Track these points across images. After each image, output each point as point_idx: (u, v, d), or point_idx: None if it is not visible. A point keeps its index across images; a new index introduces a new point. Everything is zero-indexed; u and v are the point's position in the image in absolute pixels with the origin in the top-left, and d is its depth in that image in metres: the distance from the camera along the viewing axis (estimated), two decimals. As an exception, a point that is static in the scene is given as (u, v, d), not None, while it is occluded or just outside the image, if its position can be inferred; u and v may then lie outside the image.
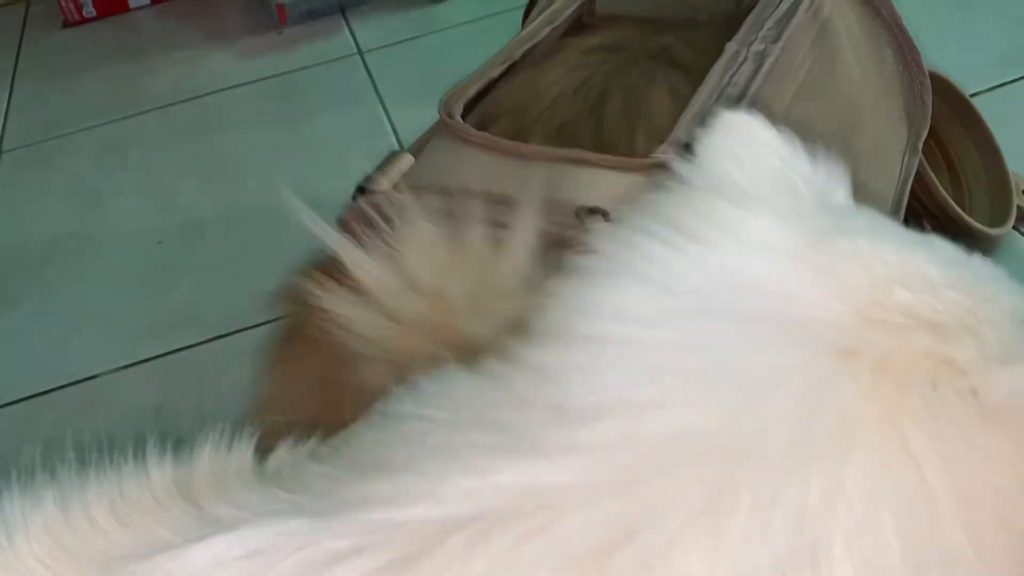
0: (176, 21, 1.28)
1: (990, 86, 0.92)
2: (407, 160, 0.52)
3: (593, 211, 0.43)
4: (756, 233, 0.31)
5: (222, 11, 1.29)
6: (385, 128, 1.01)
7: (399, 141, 0.99)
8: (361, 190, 0.52)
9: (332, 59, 1.15)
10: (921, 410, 0.26)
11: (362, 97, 1.07)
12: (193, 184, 0.98)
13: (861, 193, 0.57)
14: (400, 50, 1.15)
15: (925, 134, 0.63)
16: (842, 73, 0.58)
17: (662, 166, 0.48)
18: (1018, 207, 0.74)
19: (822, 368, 0.26)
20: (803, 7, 0.55)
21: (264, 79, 1.13)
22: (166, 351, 0.79)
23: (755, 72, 0.52)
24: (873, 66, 0.61)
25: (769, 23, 0.55)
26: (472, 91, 0.54)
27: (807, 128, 0.54)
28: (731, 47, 0.54)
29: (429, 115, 1.01)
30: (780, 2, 0.57)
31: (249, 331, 0.79)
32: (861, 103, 0.59)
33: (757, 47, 0.54)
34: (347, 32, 1.20)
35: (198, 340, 0.79)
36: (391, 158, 0.52)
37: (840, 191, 0.36)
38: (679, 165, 0.35)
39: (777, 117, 0.51)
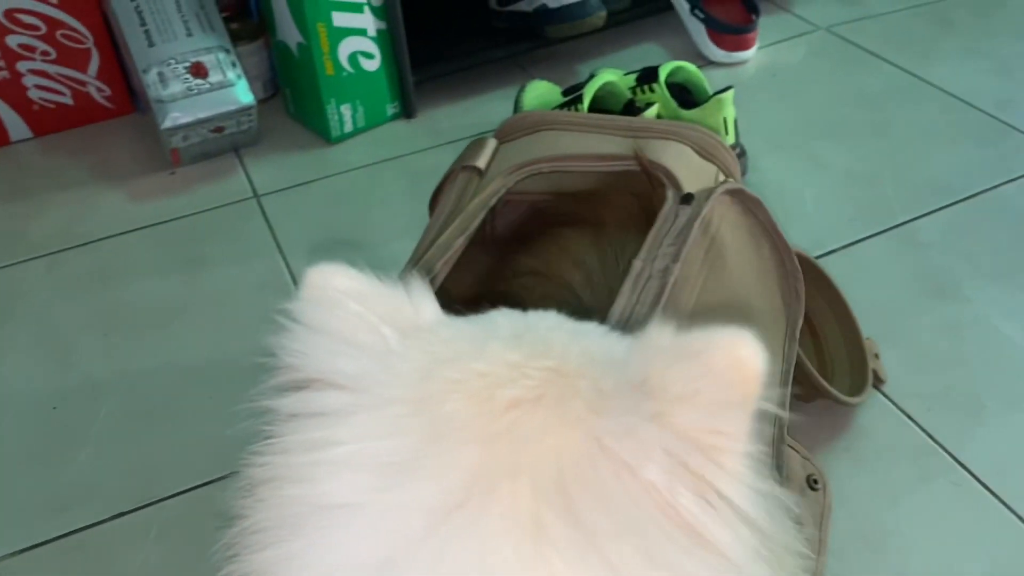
0: (63, 157, 1.26)
1: (843, 244, 1.02)
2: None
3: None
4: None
5: (111, 147, 1.28)
6: (284, 279, 1.03)
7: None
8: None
9: (228, 202, 1.16)
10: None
11: (260, 244, 1.09)
12: (89, 340, 0.96)
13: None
14: (296, 194, 1.17)
15: (801, 323, 0.71)
16: (730, 278, 0.64)
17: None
18: (873, 371, 0.83)
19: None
20: (696, 223, 0.62)
21: (159, 223, 1.13)
22: (67, 531, 0.77)
23: (660, 290, 0.58)
24: (755, 265, 0.68)
25: (668, 240, 0.61)
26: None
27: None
28: (637, 265, 0.60)
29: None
30: (676, 217, 0.64)
31: (154, 506, 0.79)
32: (749, 302, 0.66)
33: (660, 264, 0.60)
34: (242, 174, 1.21)
35: (101, 518, 0.78)
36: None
37: (428, 308, 0.44)
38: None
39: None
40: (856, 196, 1.09)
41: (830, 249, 1.01)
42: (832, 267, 0.98)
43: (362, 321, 0.41)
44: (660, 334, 0.37)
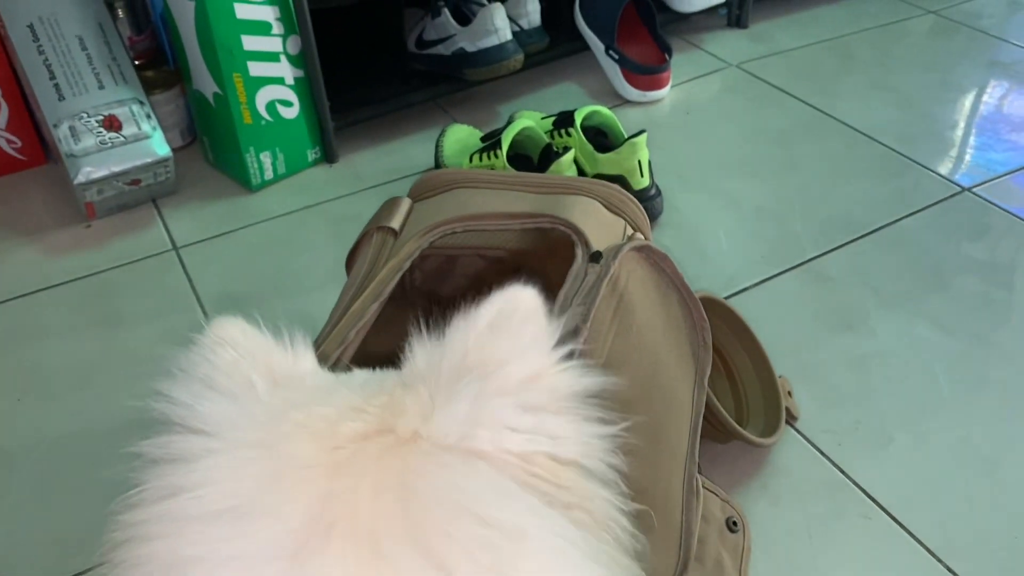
0: (-29, 212, 1.23)
1: (755, 281, 1.05)
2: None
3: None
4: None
5: (23, 200, 1.25)
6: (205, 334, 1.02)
7: (222, 347, 0.99)
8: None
9: (146, 255, 1.14)
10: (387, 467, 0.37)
11: (179, 298, 1.07)
12: (2, 406, 0.94)
13: (663, 432, 0.65)
14: (217, 244, 1.16)
15: (709, 370, 0.73)
16: (638, 334, 0.66)
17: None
18: (787, 408, 0.85)
19: None
20: (605, 282, 0.64)
21: (74, 280, 1.11)
22: (-20, 612, 0.75)
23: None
24: (663, 319, 0.70)
25: (577, 300, 0.63)
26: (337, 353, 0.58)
27: (616, 395, 0.62)
28: (546, 326, 0.61)
29: (248, 317, 1.03)
30: (585, 275, 0.65)
31: (71, 580, 0.77)
32: (657, 354, 0.68)
33: (569, 324, 0.61)
34: (161, 225, 1.20)
35: (15, 597, 0.76)
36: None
37: (305, 361, 0.46)
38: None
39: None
40: (767, 233, 1.13)
41: (743, 287, 1.04)
42: (745, 304, 1.01)
43: (234, 369, 0.43)
44: (465, 314, 0.41)
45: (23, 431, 0.91)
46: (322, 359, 0.60)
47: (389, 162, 1.30)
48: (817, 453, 0.84)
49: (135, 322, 1.04)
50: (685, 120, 1.38)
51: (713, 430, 0.79)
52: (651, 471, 0.62)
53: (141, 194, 1.20)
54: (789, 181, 1.23)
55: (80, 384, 0.96)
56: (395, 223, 0.74)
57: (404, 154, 1.32)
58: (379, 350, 0.79)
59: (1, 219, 1.22)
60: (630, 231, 0.74)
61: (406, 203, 0.76)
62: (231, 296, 1.07)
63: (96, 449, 0.89)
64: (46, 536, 0.80)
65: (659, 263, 0.70)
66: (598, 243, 0.69)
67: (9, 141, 1.28)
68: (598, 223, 0.71)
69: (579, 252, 0.67)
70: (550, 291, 0.74)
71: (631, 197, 0.75)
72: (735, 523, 0.74)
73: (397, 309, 0.83)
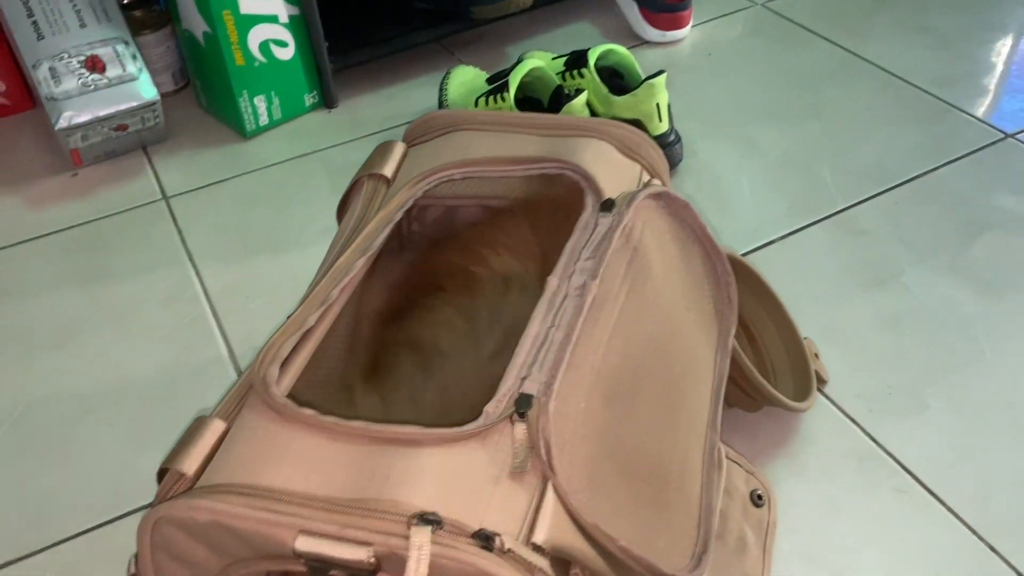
0: (-48, 161, 1.17)
1: (780, 234, 0.98)
2: (215, 428, 0.49)
3: (426, 518, 0.42)
4: None
5: (6, 147, 1.19)
6: (194, 288, 0.96)
7: (210, 303, 0.94)
8: (163, 471, 0.49)
9: (134, 205, 1.09)
10: None
11: (168, 251, 1.01)
12: (-24, 365, 0.89)
13: (681, 401, 0.59)
14: (209, 194, 1.10)
15: (734, 331, 0.66)
16: (655, 292, 0.60)
17: (493, 429, 0.48)
18: (816, 372, 0.79)
19: None
20: (617, 233, 0.57)
21: (58, 231, 1.05)
22: (-52, 584, 0.70)
23: (578, 310, 0.53)
24: (683, 275, 0.64)
25: (586, 253, 0.56)
26: (288, 348, 0.52)
27: (624, 363, 0.56)
28: (552, 282, 0.55)
29: (242, 272, 0.98)
30: (595, 226, 0.59)
31: (48, 551, 0.72)
32: (675, 315, 0.62)
33: (577, 280, 0.55)
34: (150, 173, 1.14)
35: (-13, 567, 0.71)
36: (195, 428, 0.49)
37: None
38: None
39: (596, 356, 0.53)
40: (793, 182, 1.06)
41: (767, 240, 0.97)
42: (770, 259, 0.95)
43: None
44: None
45: (1, 390, 0.86)
46: (298, 324, 0.54)
47: (391, 107, 1.23)
48: (847, 420, 0.78)
49: (121, 277, 0.99)
50: (706, 62, 1.29)
51: (742, 396, 0.72)
52: (667, 443, 0.56)
53: (129, 140, 1.14)
54: (817, 127, 1.15)
55: (60, 342, 0.91)
56: (387, 170, 0.68)
57: (407, 98, 1.24)
58: (373, 305, 0.73)
59: (-17, 167, 1.16)
60: (646, 177, 0.67)
61: (400, 148, 0.69)
62: (224, 250, 1.01)
63: (75, 411, 0.84)
64: (19, 502, 0.76)
65: (679, 212, 0.64)
66: (610, 190, 0.62)
67: (-8, 85, 1.22)
68: (610, 168, 0.64)
69: (589, 200, 0.61)
70: (556, 244, 0.68)
71: (648, 139, 0.68)
72: (760, 496, 0.68)
73: (393, 262, 0.77)
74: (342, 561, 0.42)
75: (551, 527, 0.45)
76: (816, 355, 0.81)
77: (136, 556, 0.50)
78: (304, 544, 0.42)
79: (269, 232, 1.04)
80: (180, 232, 1.04)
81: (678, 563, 0.51)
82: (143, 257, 1.01)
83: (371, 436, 0.46)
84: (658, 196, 0.62)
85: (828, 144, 1.11)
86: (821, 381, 0.80)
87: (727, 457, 0.69)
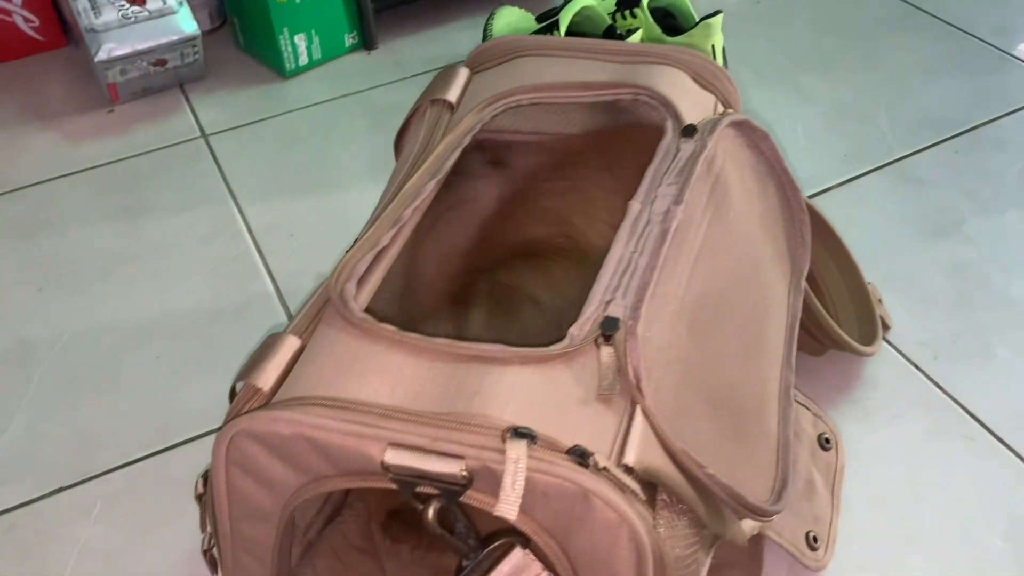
0: (-13, 95, 1.15)
1: (838, 182, 0.96)
2: (290, 345, 0.47)
3: (521, 432, 0.40)
4: None
5: (42, 83, 1.17)
6: (237, 225, 0.94)
7: (254, 240, 0.92)
8: (234, 392, 0.47)
9: (173, 143, 1.06)
10: None
11: (209, 187, 1.00)
12: (20, 296, 0.87)
13: (760, 332, 0.57)
14: (248, 133, 1.08)
15: (807, 270, 0.64)
16: (736, 223, 0.58)
17: (578, 352, 0.46)
18: (880, 317, 0.77)
19: None
20: (701, 160, 0.55)
21: (97, 167, 1.03)
22: (2, 509, 0.69)
23: (662, 236, 0.51)
24: (758, 207, 0.61)
25: (668, 179, 0.54)
26: (364, 266, 0.50)
27: (708, 293, 0.54)
28: (634, 207, 0.53)
29: (284, 210, 0.96)
30: (677, 152, 0.56)
31: (96, 480, 0.71)
32: (754, 248, 0.59)
33: (660, 206, 0.53)
34: (188, 111, 1.11)
35: (35, 495, 0.70)
36: (269, 344, 0.47)
37: None
38: None
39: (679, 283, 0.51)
40: (849, 131, 1.03)
41: (825, 187, 0.95)
42: (826, 206, 0.92)
43: None
44: None
45: (44, 323, 0.85)
46: (372, 243, 0.52)
47: (432, 49, 1.20)
48: (911, 367, 0.76)
49: (161, 213, 0.97)
50: (757, 9, 1.26)
51: (808, 340, 0.70)
52: (748, 377, 0.54)
53: (167, 77, 1.12)
54: (872, 76, 1.11)
55: (103, 276, 0.90)
56: (452, 95, 0.65)
57: (449, 41, 1.22)
58: (449, 243, 0.71)
59: (19, 103, 1.14)
60: (720, 108, 0.65)
61: (464, 73, 0.67)
62: (265, 189, 0.99)
63: (120, 343, 0.83)
64: (67, 431, 0.75)
65: (758, 143, 0.61)
66: (688, 118, 0.60)
67: (27, 19, 1.20)
68: (687, 96, 0.62)
69: (669, 125, 0.58)
70: (625, 186, 0.65)
71: (723, 70, 0.65)
72: (828, 440, 0.66)
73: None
74: (433, 475, 0.40)
75: (640, 450, 0.43)
76: (879, 300, 0.79)
77: (205, 474, 0.49)
78: (393, 457, 0.41)
79: (310, 172, 1.01)
80: (220, 169, 1.02)
81: (759, 496, 0.49)
82: (184, 194, 0.99)
83: (455, 353, 0.44)
84: (738, 125, 0.59)
85: (884, 93, 1.08)
86: (885, 327, 0.78)
87: (795, 400, 0.68)
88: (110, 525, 0.68)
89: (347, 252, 0.51)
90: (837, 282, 0.78)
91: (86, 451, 0.73)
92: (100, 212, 0.97)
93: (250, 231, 0.94)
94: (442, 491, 0.41)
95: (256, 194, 0.99)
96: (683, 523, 0.45)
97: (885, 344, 0.77)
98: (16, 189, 1.00)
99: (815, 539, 0.60)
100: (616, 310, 0.47)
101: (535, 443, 0.40)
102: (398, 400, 0.43)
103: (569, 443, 0.42)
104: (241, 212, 0.96)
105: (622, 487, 0.41)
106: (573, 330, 0.46)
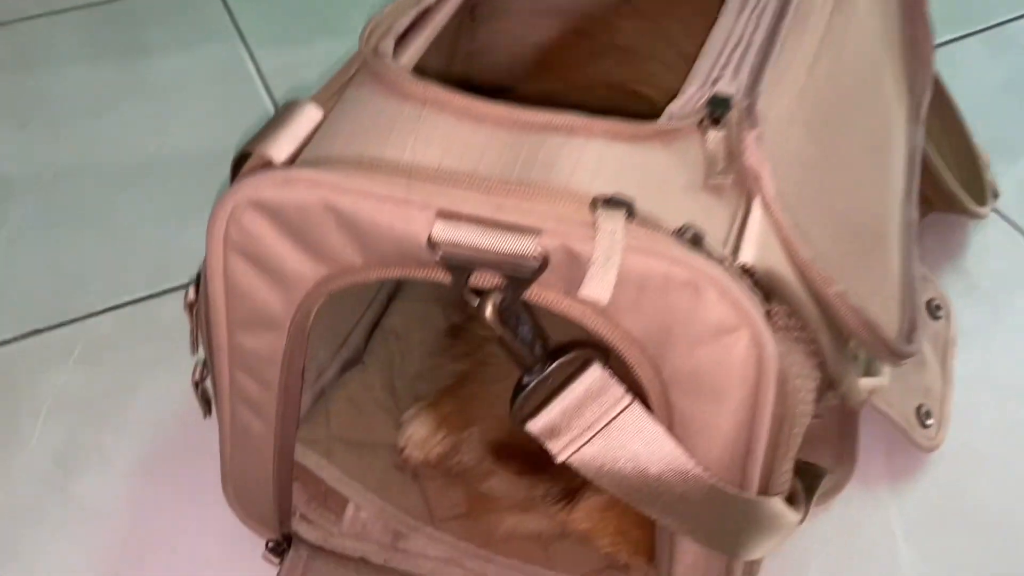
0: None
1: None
2: (310, 115, 0.37)
3: (612, 201, 0.30)
4: None
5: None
6: (246, 69, 0.84)
7: (264, 82, 0.82)
8: (241, 160, 0.37)
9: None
10: None
11: (216, 26, 0.89)
12: (2, 132, 0.77)
13: (881, 155, 0.47)
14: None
15: (927, 101, 0.54)
16: (859, 25, 0.47)
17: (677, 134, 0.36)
18: (989, 183, 0.67)
19: None
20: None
21: (91, 5, 0.92)
22: (-36, 350, 0.60)
23: (782, 12, 0.41)
24: (880, 17, 0.51)
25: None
26: (405, 23, 0.39)
27: (831, 91, 0.43)
28: (745, -25, 0.42)
29: (297, 52, 0.85)
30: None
31: (78, 323, 0.62)
32: (877, 61, 0.49)
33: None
34: (195, -53, 1.00)
35: (9, 336, 0.61)
36: (285, 112, 0.37)
37: None
38: None
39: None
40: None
41: (915, 50, 0.83)
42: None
43: None
44: None
45: (26, 159, 0.75)
46: (411, 1, 0.42)
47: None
48: (1022, 238, 0.65)
49: (165, 51, 0.86)
50: None
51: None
52: (871, 199, 0.44)
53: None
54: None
55: (95, 115, 0.79)
56: None
57: None
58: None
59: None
60: None
61: None
62: (275, 29, 0.88)
63: (111, 183, 0.73)
64: (47, 272, 0.65)
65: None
66: None
67: None
68: None
69: None
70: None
71: None
72: (938, 307, 0.56)
73: None
74: (496, 254, 0.30)
75: (759, 251, 0.33)
76: (987, 166, 0.68)
77: (198, 279, 0.39)
78: (444, 231, 0.30)
79: (327, 10, 0.90)
80: (228, 8, 0.91)
81: (888, 334, 0.39)
82: (187, 32, 0.88)
83: (522, 121, 0.34)
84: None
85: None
86: (994, 195, 0.67)
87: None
88: (92, 371, 0.59)
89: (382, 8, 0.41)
90: (941, 139, 0.67)
91: (68, 293, 0.64)
92: (94, 50, 0.86)
93: (260, 73, 0.83)
94: (505, 279, 0.31)
95: (266, 34, 0.88)
96: (799, 353, 0.35)
97: (993, 214, 0.67)
98: (3, 23, 0.89)
99: (927, 414, 0.50)
100: (727, 88, 0.37)
101: (634, 218, 0.30)
102: (453, 164, 0.32)
103: (673, 227, 0.32)
104: (250, 53, 0.85)
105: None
106: (672, 108, 0.36)
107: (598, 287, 0.29)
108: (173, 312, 0.62)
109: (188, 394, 0.56)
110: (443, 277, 0.32)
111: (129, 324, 0.62)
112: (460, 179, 0.31)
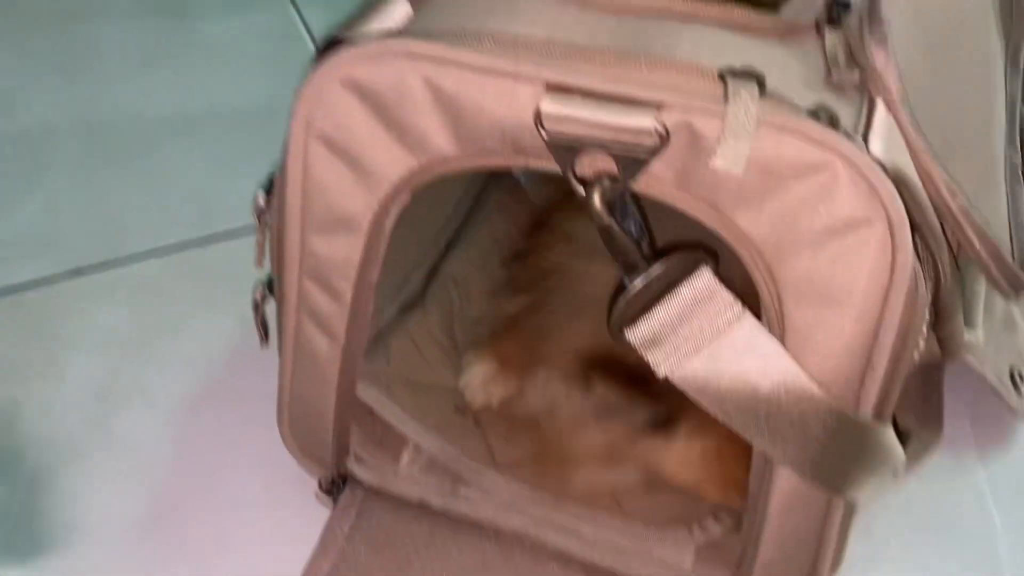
0: None
1: None
2: (401, 7, 0.35)
3: (744, 73, 0.28)
4: None
5: None
6: (297, 31, 0.82)
7: (317, 48, 0.80)
8: (329, 47, 0.35)
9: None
10: None
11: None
12: (46, 81, 0.76)
13: (989, 94, 0.44)
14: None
15: (1024, 49, 0.51)
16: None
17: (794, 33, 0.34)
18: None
19: None
20: None
21: (140, -37, 0.91)
22: (5, 286, 0.58)
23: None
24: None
25: None
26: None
27: (943, 13, 0.41)
28: None
29: (349, 14, 0.84)
30: None
31: (124, 266, 0.60)
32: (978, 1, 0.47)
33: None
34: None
35: (48, 274, 0.59)
36: (377, 2, 0.35)
37: None
38: None
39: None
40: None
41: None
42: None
43: None
44: None
45: (70, 107, 0.73)
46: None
47: None
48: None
49: (213, 11, 0.85)
50: None
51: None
52: (982, 133, 0.42)
53: None
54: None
55: (142, 69, 0.78)
56: None
57: None
58: None
59: None
60: None
61: None
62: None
63: (159, 131, 0.71)
64: (91, 213, 0.63)
65: None
66: None
67: None
68: None
69: None
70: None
71: None
72: (1026, 269, 0.53)
73: None
74: (611, 129, 0.28)
75: (886, 148, 0.31)
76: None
77: (269, 181, 0.37)
78: (553, 105, 0.28)
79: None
80: (279, -29, 0.90)
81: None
82: (236, -6, 0.87)
83: (635, 6, 0.32)
84: None
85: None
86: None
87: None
88: (135, 311, 0.57)
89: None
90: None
91: (113, 235, 0.62)
92: (145, 6, 0.85)
93: (311, 35, 0.82)
94: (617, 162, 0.29)
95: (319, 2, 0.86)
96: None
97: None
98: (46, -23, 0.88)
99: (1021, 377, 0.48)
100: (841, -8, 0.35)
101: (766, 94, 0.28)
102: (560, 40, 0.30)
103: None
104: (301, 15, 0.84)
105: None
106: (789, 6, 0.34)
107: (732, 157, 0.26)
108: (218, 256, 0.61)
109: (232, 337, 0.54)
110: (546, 163, 0.29)
111: (174, 267, 0.60)
112: (572, 52, 0.29)
